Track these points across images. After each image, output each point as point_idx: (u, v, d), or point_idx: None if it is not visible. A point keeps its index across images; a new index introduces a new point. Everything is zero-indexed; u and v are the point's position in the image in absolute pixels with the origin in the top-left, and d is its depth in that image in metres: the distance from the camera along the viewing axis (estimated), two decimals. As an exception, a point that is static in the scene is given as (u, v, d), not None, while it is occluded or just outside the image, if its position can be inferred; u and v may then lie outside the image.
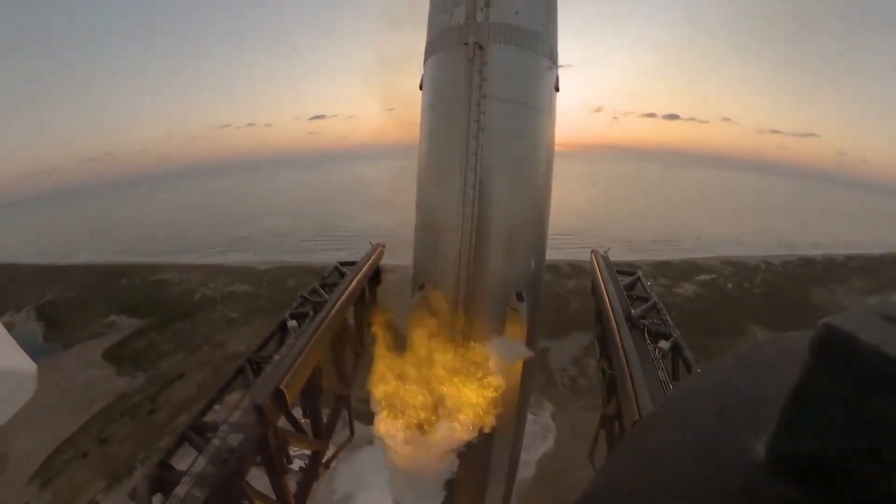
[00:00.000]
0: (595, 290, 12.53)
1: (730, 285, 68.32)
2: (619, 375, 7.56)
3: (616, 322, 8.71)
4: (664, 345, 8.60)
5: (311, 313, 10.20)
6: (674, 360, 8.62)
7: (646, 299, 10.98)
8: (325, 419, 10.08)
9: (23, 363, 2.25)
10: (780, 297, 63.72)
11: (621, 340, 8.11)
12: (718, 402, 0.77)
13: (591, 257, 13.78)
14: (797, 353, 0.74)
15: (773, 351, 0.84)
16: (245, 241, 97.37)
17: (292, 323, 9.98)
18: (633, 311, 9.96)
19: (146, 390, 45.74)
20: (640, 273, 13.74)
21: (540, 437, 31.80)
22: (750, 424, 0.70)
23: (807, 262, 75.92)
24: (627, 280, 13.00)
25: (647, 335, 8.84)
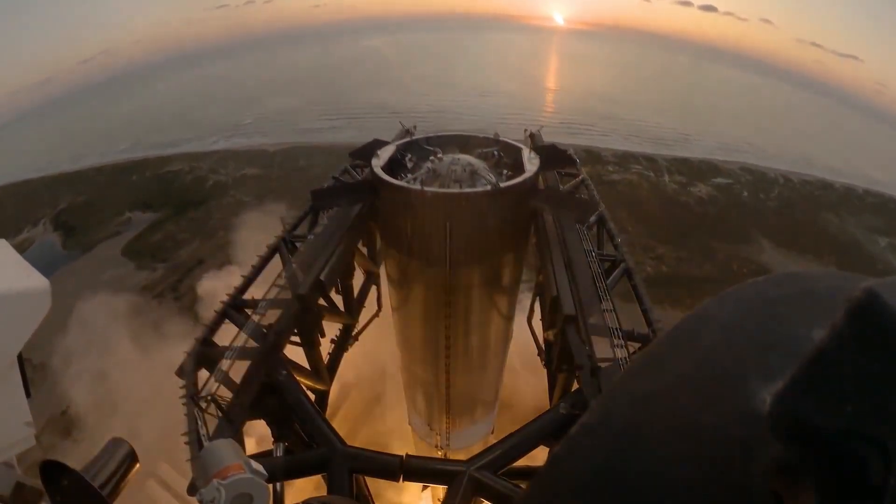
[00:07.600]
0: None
1: (745, 193, 67.04)
2: (543, 243, 8.10)
3: None
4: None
5: None
6: (599, 232, 9.54)
7: (575, 175, 11.77)
8: (355, 294, 10.73)
9: (36, 281, 2.32)
10: (791, 215, 62.78)
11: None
12: (732, 339, 0.75)
13: (526, 137, 13.86)
14: (818, 300, 0.73)
15: (793, 291, 0.80)
16: (252, 124, 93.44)
17: None
18: (561, 186, 10.73)
19: (167, 280, 47.11)
20: (569, 151, 14.21)
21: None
22: (759, 370, 0.68)
23: (825, 186, 73.24)
24: None
25: None
